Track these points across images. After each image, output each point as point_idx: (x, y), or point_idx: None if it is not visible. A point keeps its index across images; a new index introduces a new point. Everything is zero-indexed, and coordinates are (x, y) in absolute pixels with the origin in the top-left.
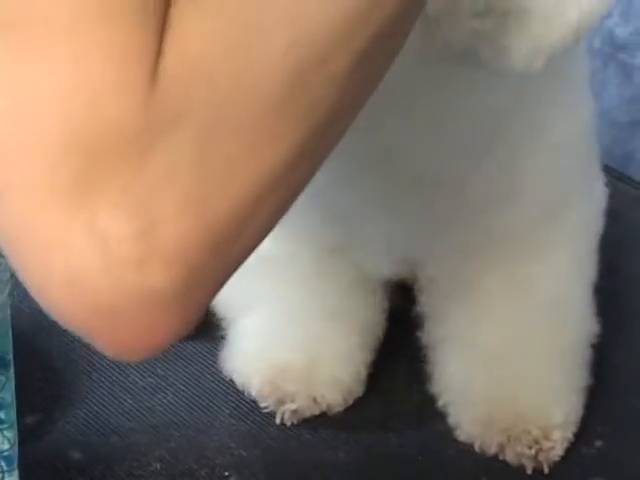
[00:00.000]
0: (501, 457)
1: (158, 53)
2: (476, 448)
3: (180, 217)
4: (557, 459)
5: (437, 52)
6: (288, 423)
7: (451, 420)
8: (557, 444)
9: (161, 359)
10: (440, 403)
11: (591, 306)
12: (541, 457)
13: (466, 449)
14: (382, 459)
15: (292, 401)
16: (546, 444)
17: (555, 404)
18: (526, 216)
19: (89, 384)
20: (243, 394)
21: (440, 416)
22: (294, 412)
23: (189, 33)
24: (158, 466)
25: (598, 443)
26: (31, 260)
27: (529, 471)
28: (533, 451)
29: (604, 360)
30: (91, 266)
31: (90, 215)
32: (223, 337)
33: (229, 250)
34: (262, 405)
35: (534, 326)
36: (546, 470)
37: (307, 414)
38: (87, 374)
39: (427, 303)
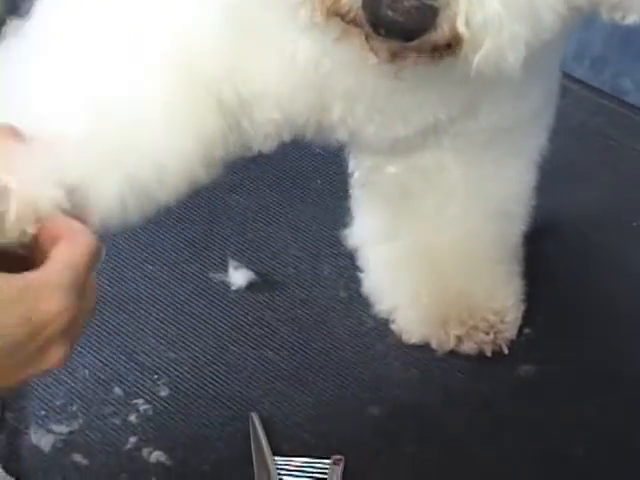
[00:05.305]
0: (458, 349)
1: None
2: (433, 346)
3: None
4: (513, 338)
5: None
6: None
7: (398, 324)
8: (511, 325)
9: None
10: (384, 308)
11: (529, 202)
12: (499, 340)
13: (394, 343)
14: (310, 356)
15: None
16: (502, 327)
17: (504, 288)
18: (496, 127)
19: None
20: (172, 299)
21: (368, 312)
22: None
23: None
24: (86, 372)
25: (527, 330)
26: None
27: (489, 354)
28: (491, 336)
29: (535, 251)
30: None
31: None
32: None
33: None
34: None
35: (478, 222)
36: (505, 351)
37: None
38: None
39: (371, 200)
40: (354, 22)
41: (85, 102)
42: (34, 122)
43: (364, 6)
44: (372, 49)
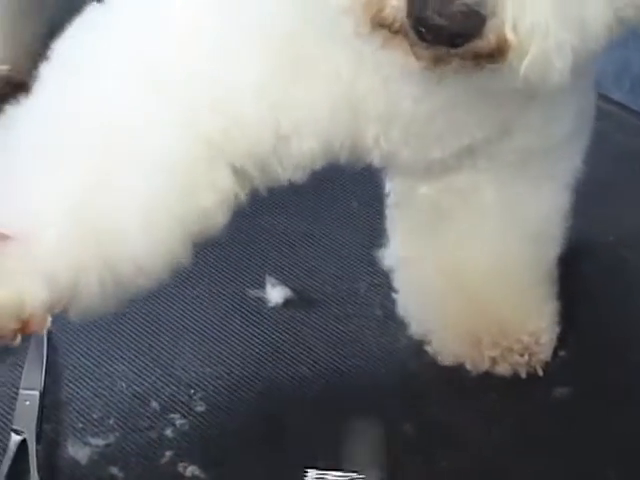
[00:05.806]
0: (494, 370)
1: None
2: (467, 367)
3: None
4: (548, 360)
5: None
6: None
7: (432, 346)
8: (546, 347)
9: None
10: (416, 330)
11: (564, 224)
12: (534, 362)
13: (428, 362)
14: (344, 373)
15: None
16: (537, 348)
17: (539, 310)
18: (529, 149)
19: None
20: (209, 315)
21: (402, 330)
22: None
23: None
24: (123, 386)
25: (561, 353)
26: None
27: (523, 375)
28: (526, 357)
29: (570, 272)
30: None
31: None
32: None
33: None
34: None
35: (512, 244)
36: (540, 373)
37: None
38: None
39: (405, 221)
40: (399, 32)
41: (65, 203)
42: (14, 220)
43: (409, 14)
44: (415, 55)
